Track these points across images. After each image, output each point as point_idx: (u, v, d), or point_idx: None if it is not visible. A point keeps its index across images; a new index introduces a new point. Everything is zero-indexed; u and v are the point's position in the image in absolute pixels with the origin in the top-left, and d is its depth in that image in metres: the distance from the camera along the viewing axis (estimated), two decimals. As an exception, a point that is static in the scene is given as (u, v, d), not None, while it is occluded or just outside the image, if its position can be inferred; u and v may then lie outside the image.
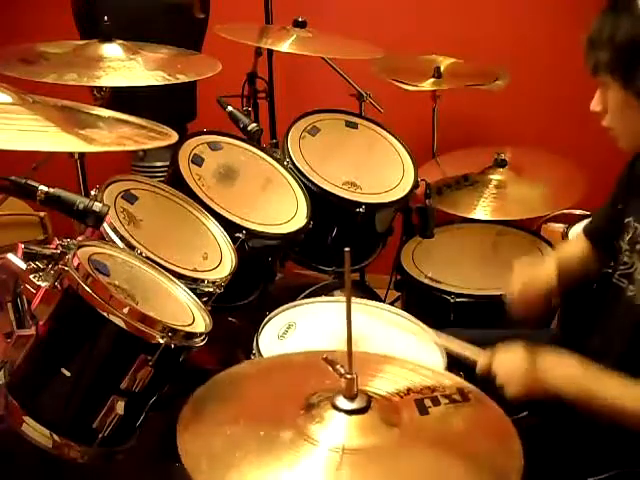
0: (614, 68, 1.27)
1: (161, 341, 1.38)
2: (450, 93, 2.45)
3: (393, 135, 2.33)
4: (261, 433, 0.98)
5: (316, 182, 2.09)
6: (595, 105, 1.36)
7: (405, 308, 2.17)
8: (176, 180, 1.90)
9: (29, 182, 1.29)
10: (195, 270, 1.68)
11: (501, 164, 2.36)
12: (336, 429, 0.98)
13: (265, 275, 2.05)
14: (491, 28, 2.69)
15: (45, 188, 1.28)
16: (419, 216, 2.23)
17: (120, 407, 1.38)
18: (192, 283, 1.64)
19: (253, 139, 2.13)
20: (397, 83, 2.36)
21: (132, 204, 1.74)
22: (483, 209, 2.27)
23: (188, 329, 1.46)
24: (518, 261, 1.65)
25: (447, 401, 1.06)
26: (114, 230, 1.60)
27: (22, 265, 1.39)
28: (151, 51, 1.98)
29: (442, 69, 2.43)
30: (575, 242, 1.70)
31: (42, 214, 2.40)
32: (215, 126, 2.11)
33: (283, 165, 2.12)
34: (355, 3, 2.84)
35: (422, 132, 2.49)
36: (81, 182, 1.88)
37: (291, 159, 2.12)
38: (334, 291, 2.05)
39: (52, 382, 1.40)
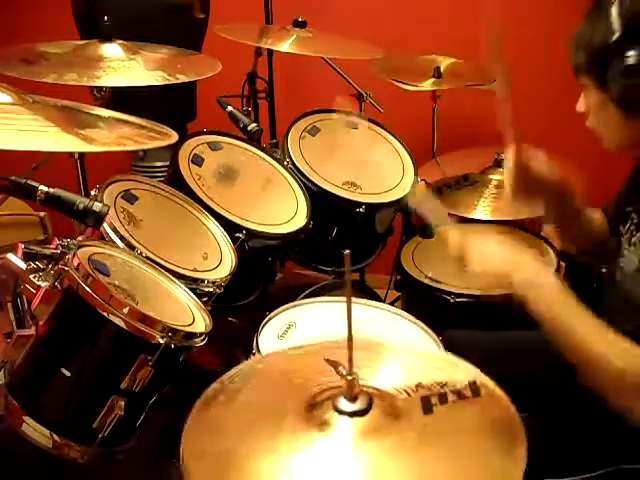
0: (590, 70, 1.30)
1: (161, 341, 1.38)
2: (450, 93, 2.45)
3: (393, 135, 2.33)
4: (262, 434, 0.98)
5: (316, 182, 2.09)
6: (580, 106, 1.39)
7: (405, 308, 2.17)
8: (176, 180, 1.90)
9: (29, 182, 1.29)
10: (195, 270, 1.68)
11: (501, 164, 2.36)
12: (337, 431, 0.98)
13: (265, 275, 2.05)
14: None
15: (45, 188, 1.28)
16: (419, 216, 2.23)
17: (120, 407, 1.38)
18: (192, 283, 1.64)
19: (253, 139, 2.13)
20: (397, 83, 2.36)
21: (132, 204, 1.74)
22: (483, 209, 2.26)
23: (188, 329, 1.47)
24: None
25: (455, 398, 1.05)
26: (114, 230, 1.60)
27: (22, 265, 1.39)
28: (151, 51, 1.98)
29: (442, 69, 2.43)
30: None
31: (42, 214, 2.40)
32: (215, 126, 2.11)
33: (283, 165, 2.12)
34: (355, 3, 2.84)
35: (422, 132, 2.49)
36: (81, 182, 1.88)
37: (291, 159, 2.12)
38: (334, 291, 2.05)
39: (52, 382, 1.40)
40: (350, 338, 0.99)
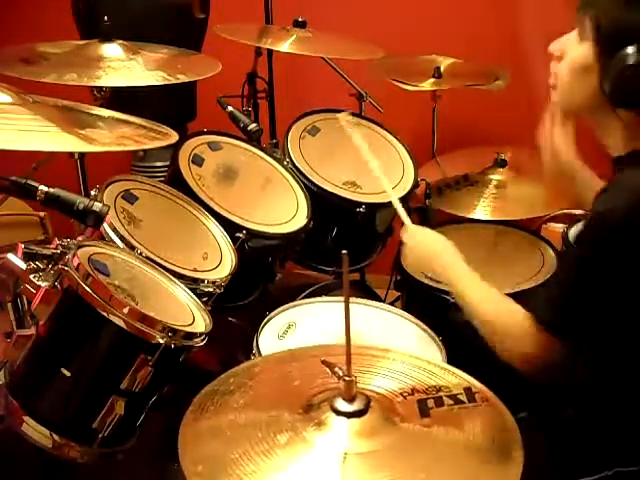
0: (604, 35, 1.23)
1: (161, 341, 1.38)
2: (450, 93, 2.45)
3: (393, 135, 2.33)
4: (259, 435, 0.98)
5: (316, 182, 2.09)
6: (556, 48, 1.35)
7: (405, 308, 2.17)
8: (176, 180, 1.90)
9: (29, 182, 1.29)
10: (195, 270, 1.68)
11: (501, 164, 2.36)
12: (334, 432, 0.98)
13: (265, 275, 2.05)
14: (491, 28, 2.69)
15: (45, 188, 1.28)
16: (419, 216, 2.23)
17: (120, 407, 1.38)
18: (192, 283, 1.64)
19: (253, 139, 2.13)
20: (397, 83, 2.35)
21: (132, 204, 1.74)
22: (483, 209, 2.26)
23: (188, 329, 1.47)
24: None
25: (452, 402, 1.05)
26: (114, 230, 1.60)
27: (22, 265, 1.39)
28: (151, 51, 1.98)
29: (442, 69, 2.42)
30: None
31: (42, 214, 2.40)
32: (215, 126, 2.11)
33: (283, 165, 2.12)
34: (355, 3, 2.83)
35: (422, 132, 2.49)
36: (81, 182, 1.88)
37: (291, 159, 2.12)
38: (334, 291, 2.05)
39: (52, 382, 1.40)
40: (348, 339, 0.99)
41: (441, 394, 1.07)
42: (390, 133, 2.33)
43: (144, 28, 2.36)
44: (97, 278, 1.38)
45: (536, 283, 2.09)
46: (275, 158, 2.13)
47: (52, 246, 1.44)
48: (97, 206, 1.29)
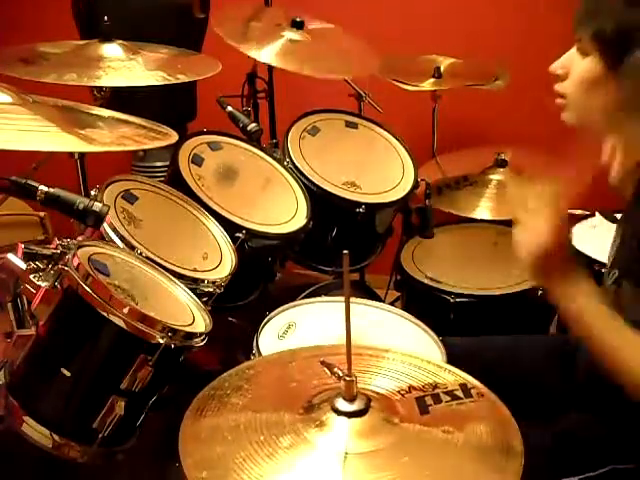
0: (609, 42, 1.20)
1: (161, 341, 1.38)
2: (450, 93, 2.45)
3: (393, 135, 2.33)
4: (261, 437, 0.98)
5: (316, 182, 2.09)
6: (557, 67, 1.32)
7: (405, 308, 2.17)
8: (176, 180, 1.90)
9: (29, 182, 1.29)
10: (195, 270, 1.68)
11: (501, 164, 2.36)
12: (335, 432, 0.98)
13: (265, 275, 2.05)
14: (491, 28, 2.69)
15: (45, 188, 1.28)
16: (419, 216, 2.23)
17: (120, 407, 1.38)
18: (192, 283, 1.64)
19: (253, 139, 2.13)
20: (397, 83, 2.35)
21: (132, 204, 1.74)
22: (483, 209, 2.27)
23: (188, 329, 1.47)
24: None
25: (449, 398, 1.06)
26: (114, 230, 1.60)
27: (22, 265, 1.39)
28: (151, 51, 1.98)
29: (442, 69, 2.43)
30: None
31: (42, 214, 2.40)
32: (215, 126, 2.11)
33: (283, 165, 2.12)
34: (355, 3, 2.83)
35: (422, 132, 2.49)
36: (81, 182, 1.88)
37: (291, 159, 2.12)
38: (334, 291, 2.05)
39: (52, 382, 1.40)
40: (348, 339, 0.99)
41: (438, 391, 1.07)
42: (390, 133, 2.33)
43: (144, 28, 2.36)
44: (97, 278, 1.38)
45: (536, 283, 2.09)
46: (275, 158, 2.13)
47: (52, 246, 1.44)
48: (97, 206, 1.29)
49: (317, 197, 2.07)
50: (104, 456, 1.44)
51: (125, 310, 1.36)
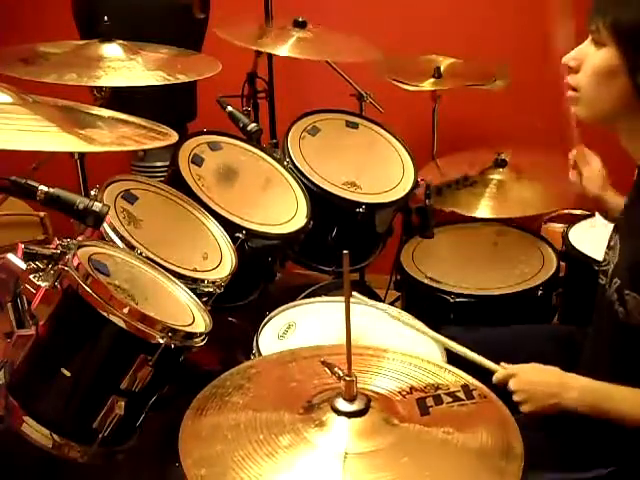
0: (628, 32, 1.18)
1: (161, 341, 1.38)
2: (450, 93, 2.45)
3: (393, 135, 2.33)
4: (260, 436, 0.98)
5: (316, 182, 2.09)
6: (570, 59, 1.29)
7: (405, 308, 2.17)
8: (176, 180, 1.90)
9: (29, 182, 1.29)
10: (195, 270, 1.68)
11: (501, 164, 2.36)
12: (335, 432, 0.98)
13: (265, 275, 2.05)
14: (491, 28, 2.69)
15: (45, 188, 1.28)
16: (419, 216, 2.23)
17: (120, 407, 1.38)
18: (192, 283, 1.64)
19: (253, 139, 2.13)
20: (397, 83, 2.35)
21: (132, 204, 1.74)
22: (483, 209, 2.27)
23: (188, 329, 1.47)
24: None
25: (450, 400, 1.06)
26: (114, 230, 1.60)
27: (22, 265, 1.39)
28: (151, 51, 1.98)
29: (442, 69, 2.43)
30: None
31: (42, 214, 2.40)
32: (215, 126, 2.11)
33: (283, 165, 2.12)
34: (355, 3, 2.83)
35: (422, 132, 2.49)
36: (81, 182, 1.88)
37: (291, 159, 2.12)
38: (334, 291, 2.05)
39: (52, 382, 1.40)
40: (348, 339, 0.99)
41: (439, 392, 1.07)
42: (390, 133, 2.33)
43: (144, 28, 2.36)
44: (97, 278, 1.38)
45: (536, 283, 2.10)
46: (275, 158, 2.13)
47: (52, 246, 1.44)
48: (97, 206, 1.29)
49: (317, 197, 2.07)
50: (104, 456, 1.44)
51: (125, 310, 1.36)
